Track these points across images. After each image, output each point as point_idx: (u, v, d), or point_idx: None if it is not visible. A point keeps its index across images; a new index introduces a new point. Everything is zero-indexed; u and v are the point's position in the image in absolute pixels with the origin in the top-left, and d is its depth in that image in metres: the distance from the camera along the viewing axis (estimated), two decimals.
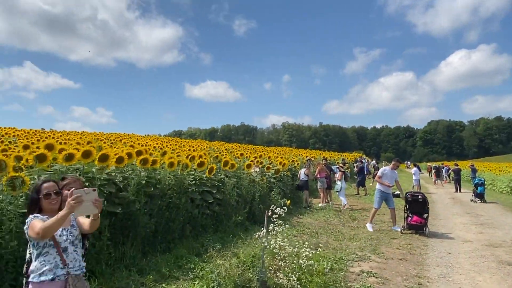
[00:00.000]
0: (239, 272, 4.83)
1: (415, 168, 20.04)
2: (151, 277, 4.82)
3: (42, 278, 2.27)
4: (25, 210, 2.92)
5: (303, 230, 8.63)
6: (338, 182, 12.76)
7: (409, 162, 66.68)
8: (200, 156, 7.93)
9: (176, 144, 20.19)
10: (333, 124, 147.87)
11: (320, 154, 30.26)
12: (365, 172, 19.14)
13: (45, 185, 2.50)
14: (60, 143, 8.28)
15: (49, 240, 2.34)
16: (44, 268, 2.30)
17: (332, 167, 15.32)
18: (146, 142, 17.74)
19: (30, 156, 4.86)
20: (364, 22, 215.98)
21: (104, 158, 5.25)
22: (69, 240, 2.44)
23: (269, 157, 15.77)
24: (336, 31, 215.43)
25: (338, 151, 60.56)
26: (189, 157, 7.76)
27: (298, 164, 16.74)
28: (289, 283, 4.66)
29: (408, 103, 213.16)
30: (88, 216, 2.46)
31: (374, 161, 32.37)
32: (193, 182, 7.22)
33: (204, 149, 19.24)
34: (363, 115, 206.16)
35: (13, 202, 4.05)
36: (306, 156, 21.47)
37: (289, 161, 15.11)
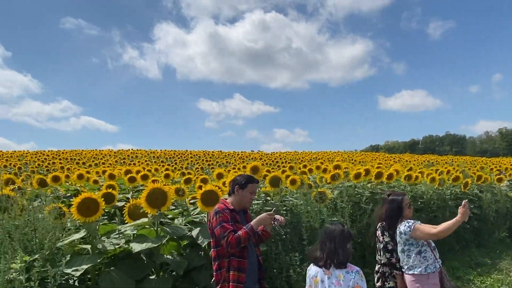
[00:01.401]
0: None
1: None
2: None
3: (429, 271, 3.08)
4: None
5: None
6: None
7: None
8: (448, 172, 8.04)
9: (383, 159, 20.32)
10: None
11: None
12: None
13: (405, 197, 3.38)
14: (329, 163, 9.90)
15: (425, 240, 3.15)
16: (427, 263, 3.11)
17: None
18: (352, 159, 18.57)
19: (327, 175, 6.20)
20: None
21: (379, 175, 6.17)
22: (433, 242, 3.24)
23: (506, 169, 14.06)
24: None
25: None
26: (444, 173, 7.98)
27: None
28: None
29: None
30: None
31: None
32: (450, 196, 7.40)
33: (422, 163, 18.67)
34: None
35: (322, 210, 5.26)
36: None
37: None
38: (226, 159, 19.95)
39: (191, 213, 3.87)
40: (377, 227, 3.43)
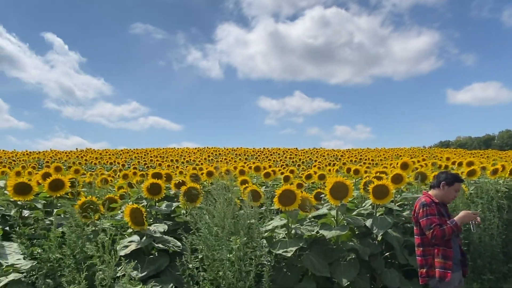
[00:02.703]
0: None
1: None
2: None
3: None
4: None
5: None
6: None
7: None
8: None
9: (468, 155, 19.17)
10: None
11: None
12: None
13: None
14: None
15: None
16: None
17: None
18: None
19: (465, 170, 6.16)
20: None
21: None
22: None
23: None
24: None
25: None
26: None
27: None
28: None
29: None
30: None
31: None
32: None
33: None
34: None
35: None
36: None
37: None
38: (307, 156, 20.20)
39: (363, 205, 4.18)
40: None
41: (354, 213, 4.05)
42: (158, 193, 4.18)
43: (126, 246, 3.48)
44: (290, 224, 3.52)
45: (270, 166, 7.59)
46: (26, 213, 3.91)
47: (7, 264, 2.46)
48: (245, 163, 11.62)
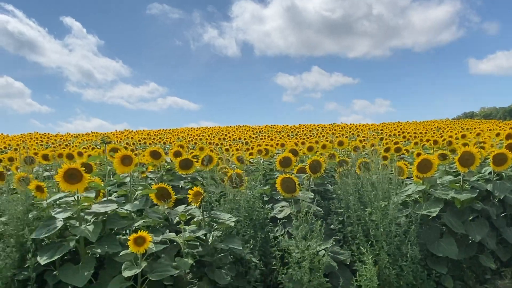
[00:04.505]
0: None
1: None
2: None
3: None
4: None
5: None
6: None
7: None
8: None
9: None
10: None
11: None
12: None
13: None
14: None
15: None
16: None
17: None
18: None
19: None
20: None
21: None
22: None
23: None
24: None
25: None
26: None
27: None
28: None
29: None
30: None
31: None
32: None
33: None
34: None
35: None
36: None
37: None
38: (349, 131, 20.49)
39: (482, 171, 4.61)
40: None
41: (473, 178, 4.48)
42: (289, 166, 4.71)
43: (281, 211, 4.05)
44: (427, 189, 3.99)
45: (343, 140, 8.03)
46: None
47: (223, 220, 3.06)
48: (304, 139, 12.07)
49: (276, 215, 4.00)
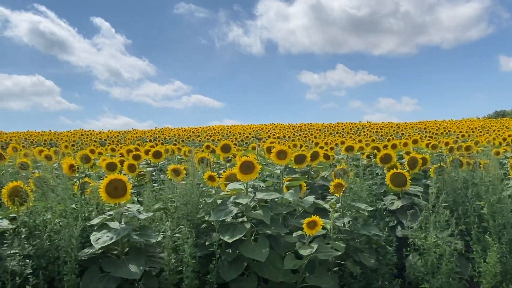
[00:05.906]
0: None
1: None
2: None
3: None
4: None
5: None
6: None
7: None
8: None
9: None
10: None
11: None
12: None
13: None
14: None
15: None
16: None
17: None
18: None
19: None
20: None
21: None
22: None
23: None
24: None
25: None
26: None
27: None
28: None
29: None
30: None
31: None
32: None
33: None
34: None
35: None
36: None
37: None
38: (392, 129, 20.44)
39: None
40: None
41: None
42: (389, 162, 5.00)
43: (392, 203, 4.37)
44: None
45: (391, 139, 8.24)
46: None
47: (359, 208, 3.39)
48: (344, 138, 12.27)
49: (389, 207, 4.31)
